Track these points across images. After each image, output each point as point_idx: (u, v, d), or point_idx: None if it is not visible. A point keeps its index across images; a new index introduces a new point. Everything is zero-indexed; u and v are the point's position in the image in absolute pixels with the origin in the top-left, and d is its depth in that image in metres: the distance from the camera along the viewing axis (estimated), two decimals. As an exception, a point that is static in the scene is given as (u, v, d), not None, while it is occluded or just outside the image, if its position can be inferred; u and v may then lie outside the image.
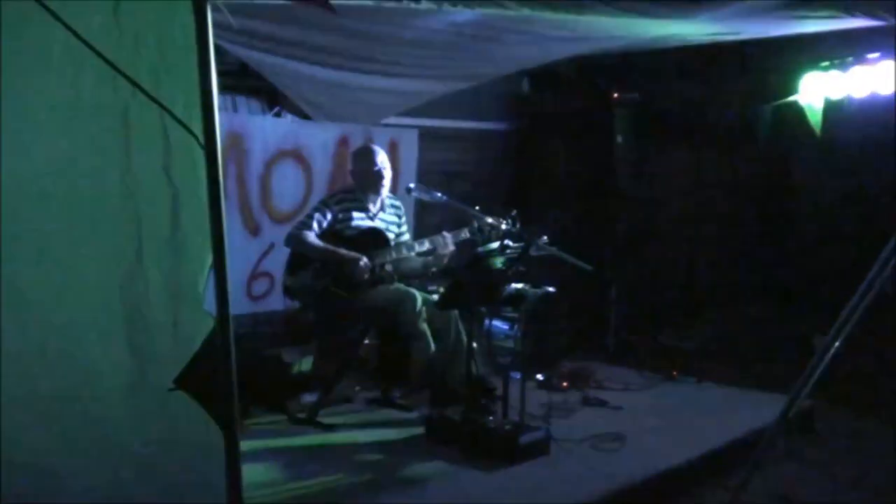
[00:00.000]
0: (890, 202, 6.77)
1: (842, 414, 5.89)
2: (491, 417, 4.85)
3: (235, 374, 2.59)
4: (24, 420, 2.42)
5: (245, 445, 2.77)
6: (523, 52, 5.27)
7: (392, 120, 6.49)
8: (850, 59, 5.47)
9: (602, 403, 5.69)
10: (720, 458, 4.86)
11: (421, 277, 5.51)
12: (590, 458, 4.69)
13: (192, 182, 2.51)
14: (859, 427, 5.64)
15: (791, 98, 5.87)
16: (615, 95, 7.35)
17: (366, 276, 5.15)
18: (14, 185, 2.35)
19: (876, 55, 5.25)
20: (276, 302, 5.71)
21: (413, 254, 5.35)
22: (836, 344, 3.67)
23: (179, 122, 2.48)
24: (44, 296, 2.45)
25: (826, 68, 5.57)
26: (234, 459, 2.62)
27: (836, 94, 5.61)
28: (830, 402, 5.74)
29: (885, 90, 5.23)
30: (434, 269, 5.42)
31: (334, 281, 5.16)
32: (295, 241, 5.23)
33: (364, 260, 5.14)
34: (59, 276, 2.46)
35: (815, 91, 5.65)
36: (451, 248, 5.26)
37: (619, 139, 7.42)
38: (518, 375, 4.84)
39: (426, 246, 5.31)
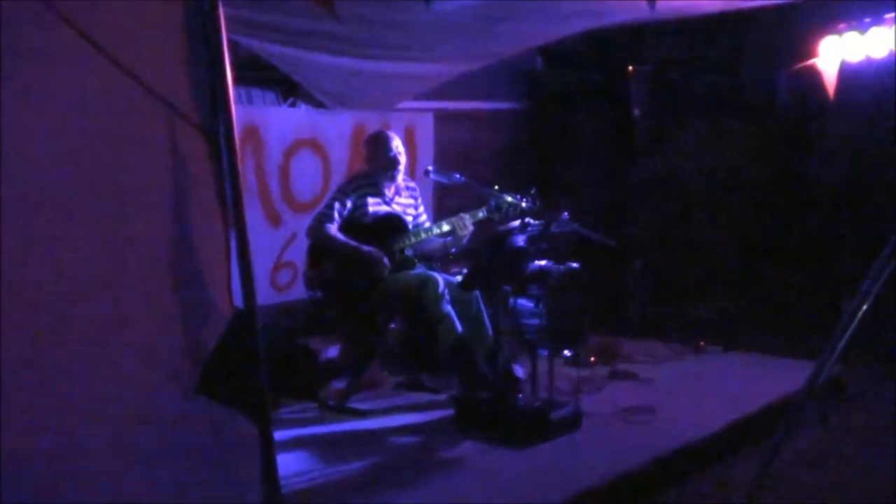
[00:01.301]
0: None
1: (873, 378, 5.86)
2: (520, 396, 4.86)
3: (264, 365, 2.61)
4: (25, 422, 2.39)
5: (276, 435, 2.79)
6: (535, 29, 5.25)
7: (407, 104, 6.49)
8: (868, 20, 5.41)
9: (631, 376, 5.69)
10: (752, 426, 4.85)
11: (442, 259, 5.52)
12: (621, 431, 4.70)
13: (201, 178, 2.51)
14: (891, 391, 5.61)
15: (809, 62, 5.82)
16: (630, 68, 7.29)
17: (386, 273, 5.17)
18: (16, 183, 2.34)
19: (892, 15, 5.19)
20: (301, 291, 5.73)
21: (432, 236, 5.36)
22: (864, 307, 3.64)
23: (183, 117, 2.49)
24: (48, 295, 2.43)
25: (843, 31, 5.52)
26: (268, 449, 2.64)
27: (855, 57, 5.55)
28: (861, 366, 5.71)
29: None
30: (454, 250, 5.43)
31: (355, 269, 5.17)
32: (317, 234, 5.24)
33: (385, 260, 5.16)
34: (64, 276, 2.45)
35: (833, 54, 5.60)
36: (470, 228, 5.27)
37: (636, 111, 7.37)
38: (545, 352, 4.85)
39: (445, 227, 5.32)
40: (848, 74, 5.63)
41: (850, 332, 3.67)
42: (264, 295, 5.47)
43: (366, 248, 5.18)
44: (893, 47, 5.44)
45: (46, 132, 2.39)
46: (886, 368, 5.92)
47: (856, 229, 7.25)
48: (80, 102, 2.42)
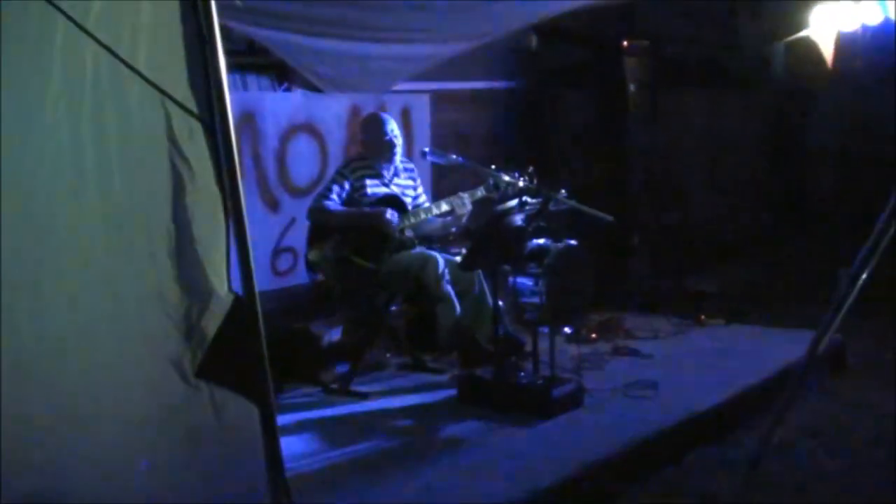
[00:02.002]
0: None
1: (873, 347, 5.88)
2: (522, 374, 4.88)
3: (266, 350, 2.62)
4: (28, 420, 2.39)
5: (280, 419, 2.80)
6: (528, 7, 5.24)
7: (403, 85, 6.47)
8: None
9: (632, 352, 5.70)
10: (753, 398, 4.87)
11: (441, 239, 5.53)
12: (623, 406, 4.72)
13: (198, 166, 2.52)
14: (889, 359, 5.62)
15: (803, 33, 5.81)
16: (624, 44, 7.28)
17: (394, 226, 5.17)
18: (16, 180, 2.34)
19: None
20: (301, 275, 5.74)
21: (431, 216, 5.37)
22: (863, 276, 3.65)
23: (181, 106, 2.49)
24: (48, 286, 2.43)
25: (837, -1, 5.50)
26: (271, 434, 2.66)
27: (850, 26, 5.53)
28: (861, 335, 5.72)
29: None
30: (453, 230, 5.44)
31: (356, 250, 5.18)
32: (317, 213, 5.25)
33: (388, 211, 5.17)
34: (65, 267, 2.45)
35: (827, 24, 5.58)
36: (469, 207, 5.28)
37: (632, 87, 7.36)
38: (546, 330, 4.86)
39: (444, 207, 5.34)
40: (844, 43, 5.61)
41: (849, 301, 3.68)
42: (264, 280, 5.47)
43: (366, 209, 5.19)
44: (889, 14, 5.42)
45: (44, 125, 2.40)
46: (886, 337, 5.94)
47: (855, 199, 7.26)
48: (76, 93, 2.43)
